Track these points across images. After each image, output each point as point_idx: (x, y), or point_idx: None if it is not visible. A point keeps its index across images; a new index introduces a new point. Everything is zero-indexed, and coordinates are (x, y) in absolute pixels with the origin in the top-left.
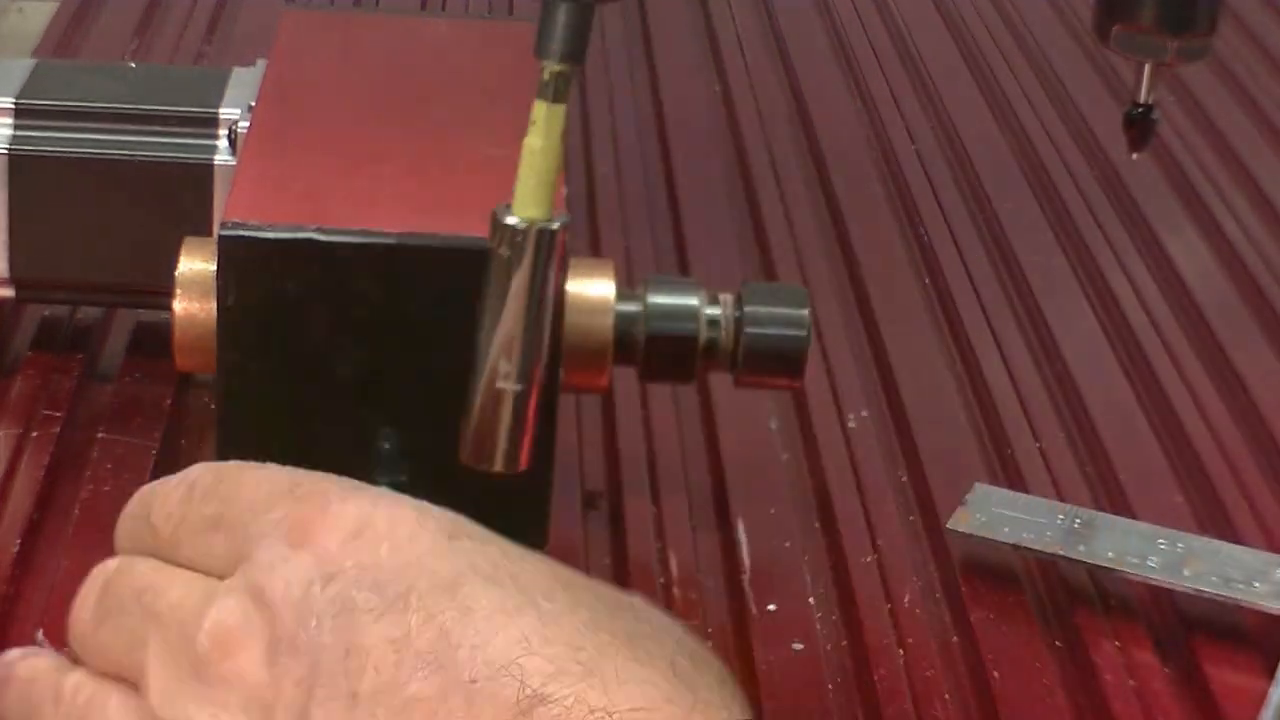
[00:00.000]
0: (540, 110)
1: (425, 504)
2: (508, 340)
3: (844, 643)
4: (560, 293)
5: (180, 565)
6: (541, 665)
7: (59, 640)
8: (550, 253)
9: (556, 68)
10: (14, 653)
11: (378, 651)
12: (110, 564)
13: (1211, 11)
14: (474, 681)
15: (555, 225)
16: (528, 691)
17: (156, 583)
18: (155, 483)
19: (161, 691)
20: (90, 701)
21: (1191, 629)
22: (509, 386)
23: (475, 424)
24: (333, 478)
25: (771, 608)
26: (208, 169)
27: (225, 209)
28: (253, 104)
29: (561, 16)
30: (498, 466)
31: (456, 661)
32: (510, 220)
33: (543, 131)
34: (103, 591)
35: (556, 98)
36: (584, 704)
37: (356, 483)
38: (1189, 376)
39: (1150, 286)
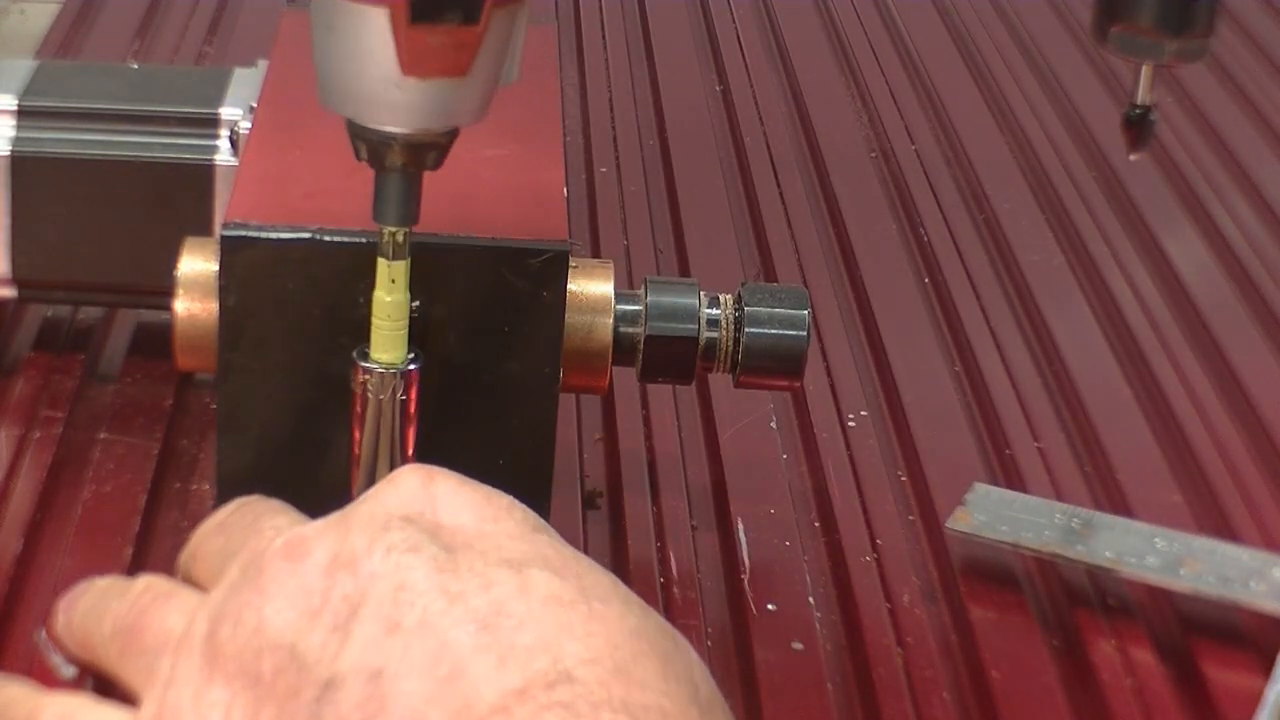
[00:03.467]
0: (384, 268)
1: (520, 503)
2: (369, 460)
3: (844, 643)
4: (410, 417)
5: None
6: (579, 651)
7: (59, 641)
8: (405, 389)
9: (393, 230)
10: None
11: (430, 595)
12: (241, 498)
13: (1209, 13)
14: (511, 647)
15: (409, 368)
16: (559, 668)
17: (272, 508)
18: None
19: (227, 585)
20: (158, 596)
21: (1189, 628)
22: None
23: None
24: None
25: (771, 607)
26: (209, 169)
27: (227, 209)
28: (254, 104)
29: (395, 185)
30: None
31: (500, 627)
32: (367, 365)
33: (388, 286)
34: (225, 517)
35: (396, 255)
36: (606, 690)
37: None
38: (1187, 376)
39: (1149, 286)
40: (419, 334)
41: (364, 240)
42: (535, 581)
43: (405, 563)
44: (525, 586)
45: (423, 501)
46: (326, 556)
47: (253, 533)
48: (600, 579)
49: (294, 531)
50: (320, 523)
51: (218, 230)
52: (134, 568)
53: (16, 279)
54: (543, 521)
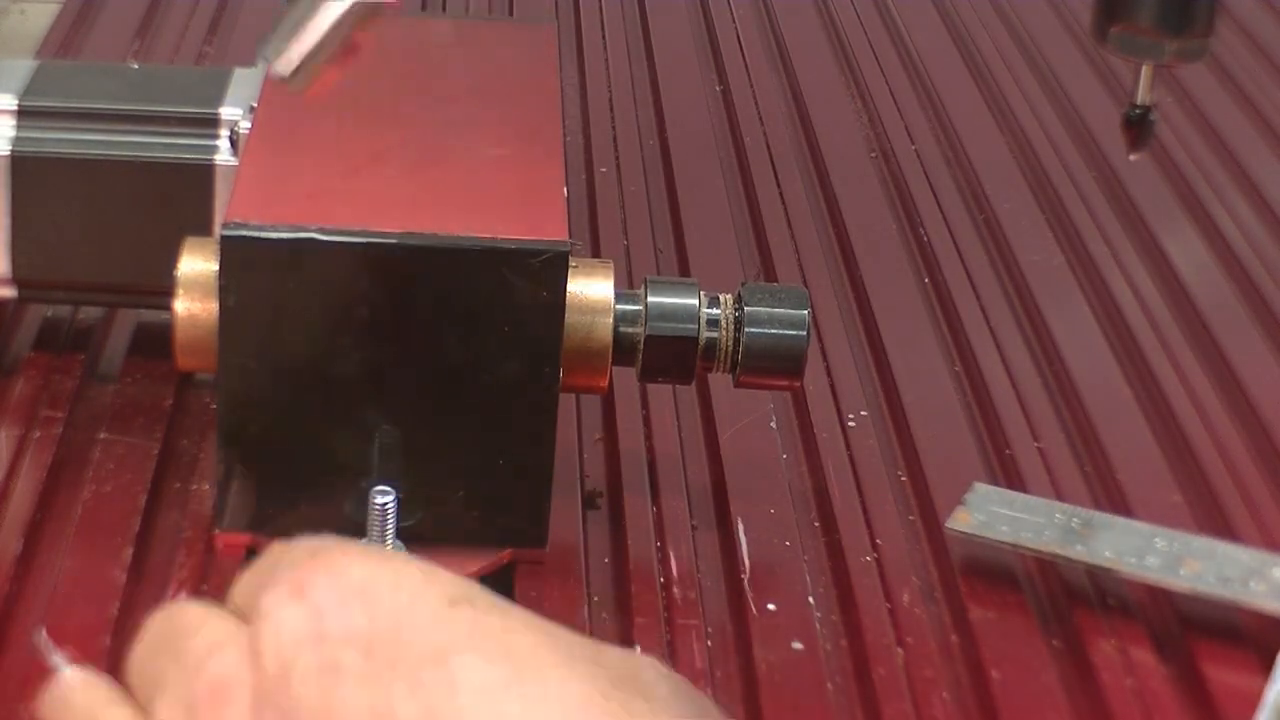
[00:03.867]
0: None
1: (434, 568)
2: None
3: (844, 643)
4: None
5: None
6: None
7: (60, 640)
8: None
9: None
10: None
11: (358, 715)
12: (173, 604)
13: (1209, 13)
14: None
15: None
16: None
17: (192, 624)
18: None
19: None
20: None
21: (1189, 628)
22: None
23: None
24: (344, 541)
25: (771, 607)
26: (209, 169)
27: (227, 209)
28: (254, 104)
29: None
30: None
31: None
32: None
33: None
34: (158, 625)
35: None
36: None
37: (366, 545)
38: (1187, 376)
39: (1148, 286)
40: (418, 335)
41: (364, 240)
42: (463, 672)
43: (325, 685)
44: (454, 682)
45: (330, 606)
46: (248, 699)
47: (173, 661)
48: (536, 639)
49: (214, 674)
50: (231, 657)
51: (218, 230)
52: (134, 568)
53: (16, 279)
54: (463, 586)
